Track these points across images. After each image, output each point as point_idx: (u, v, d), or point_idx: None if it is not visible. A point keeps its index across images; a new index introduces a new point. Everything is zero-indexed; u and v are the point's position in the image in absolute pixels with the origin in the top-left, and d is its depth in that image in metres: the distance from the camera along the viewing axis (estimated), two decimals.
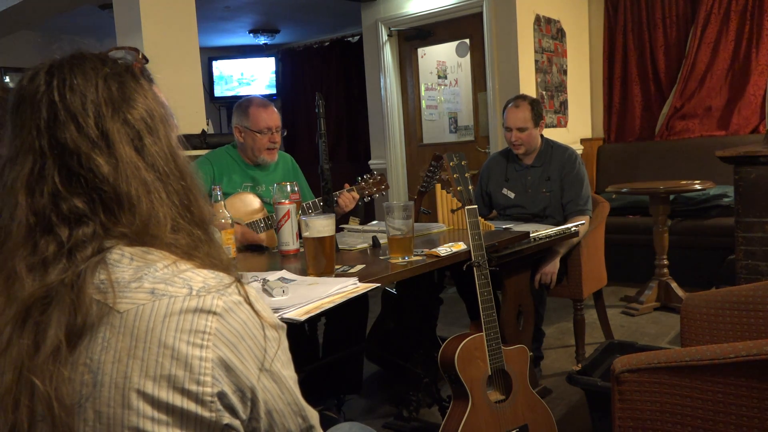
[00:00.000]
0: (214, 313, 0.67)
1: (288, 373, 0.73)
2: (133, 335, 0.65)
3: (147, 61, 0.84)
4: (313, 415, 0.77)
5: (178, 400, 0.65)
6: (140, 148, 0.72)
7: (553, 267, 2.74)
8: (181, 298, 0.67)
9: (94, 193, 0.69)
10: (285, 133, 2.56)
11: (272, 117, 2.48)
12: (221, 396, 0.67)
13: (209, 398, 0.66)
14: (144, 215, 0.70)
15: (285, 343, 0.74)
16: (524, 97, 2.96)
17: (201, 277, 0.70)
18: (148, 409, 0.64)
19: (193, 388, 0.65)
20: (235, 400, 0.68)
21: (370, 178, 2.50)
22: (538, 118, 2.91)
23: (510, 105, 2.94)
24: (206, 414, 0.66)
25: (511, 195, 3.00)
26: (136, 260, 0.69)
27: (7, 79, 5.87)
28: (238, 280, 0.72)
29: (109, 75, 0.73)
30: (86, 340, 0.65)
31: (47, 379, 0.63)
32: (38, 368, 0.64)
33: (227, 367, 0.67)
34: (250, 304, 0.70)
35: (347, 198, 2.40)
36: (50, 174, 0.69)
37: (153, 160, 0.73)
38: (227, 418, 0.67)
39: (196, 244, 0.74)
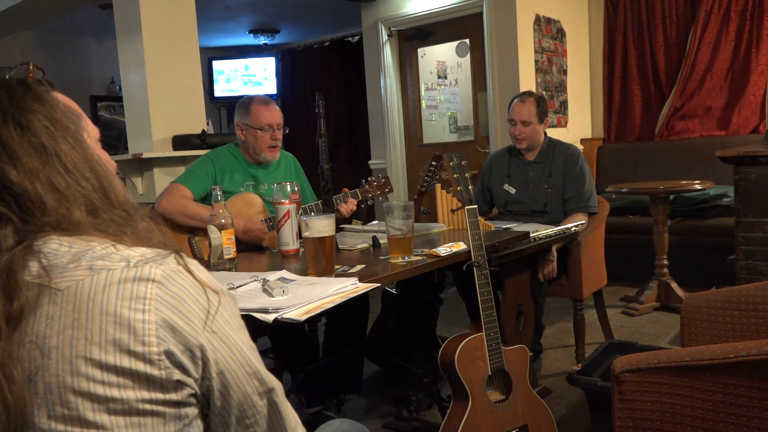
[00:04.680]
0: (153, 280, 0.69)
1: (239, 336, 0.75)
2: (76, 307, 0.67)
3: (43, 73, 0.89)
4: (273, 380, 0.78)
5: (126, 362, 0.67)
6: (39, 147, 0.75)
7: (551, 255, 2.72)
8: (119, 270, 0.69)
9: (6, 195, 0.73)
10: (287, 131, 2.55)
11: (274, 114, 2.47)
12: (169, 354, 0.68)
13: (156, 357, 0.68)
14: (54, 208, 0.73)
15: (232, 309, 0.76)
16: (531, 93, 3.01)
17: (138, 252, 0.73)
18: (98, 373, 0.66)
19: (139, 348, 0.67)
20: (184, 359, 0.69)
21: (374, 181, 2.47)
22: (542, 115, 2.95)
23: (516, 100, 3.00)
24: (155, 372, 0.68)
25: (512, 190, 3.01)
26: (75, 247, 0.72)
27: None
28: (177, 252, 0.75)
29: None
30: (30, 320, 0.68)
31: None
32: None
33: (172, 328, 0.69)
34: (189, 271, 0.73)
35: (345, 209, 2.39)
36: None
37: (56, 159, 0.76)
38: (178, 375, 0.69)
39: (120, 224, 0.77)
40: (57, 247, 0.72)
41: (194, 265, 0.75)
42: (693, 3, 4.71)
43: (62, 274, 0.69)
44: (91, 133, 0.87)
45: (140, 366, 0.67)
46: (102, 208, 0.77)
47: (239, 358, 0.74)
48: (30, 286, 0.68)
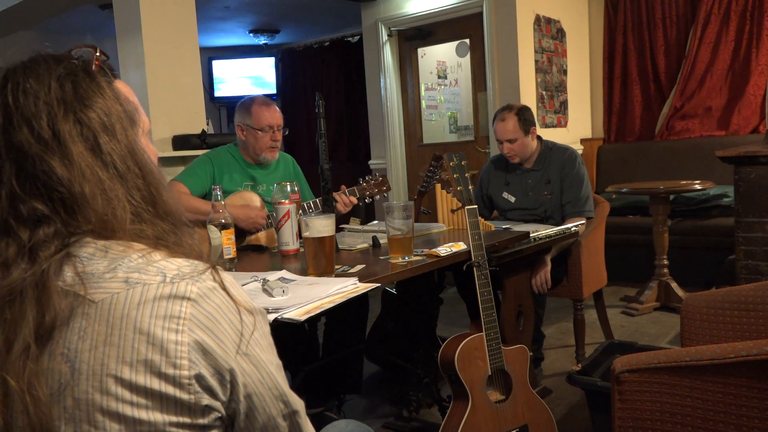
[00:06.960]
0: (189, 298, 0.68)
1: (268, 357, 0.74)
2: (109, 323, 0.66)
3: (107, 57, 0.84)
4: (297, 402, 0.77)
5: (156, 384, 0.65)
6: (95, 147, 0.73)
7: (543, 264, 2.72)
8: (154, 286, 0.67)
9: (53, 194, 0.70)
10: (287, 132, 2.57)
11: (274, 115, 2.49)
12: (199, 378, 0.67)
13: (186, 381, 0.66)
14: (99, 212, 0.71)
15: (264, 329, 0.75)
16: (510, 108, 2.93)
17: (175, 265, 0.70)
18: (127, 394, 0.65)
19: (170, 371, 0.66)
20: (213, 382, 0.68)
21: (371, 180, 2.49)
22: (527, 126, 2.88)
23: (497, 119, 2.93)
24: (185, 396, 0.67)
25: (512, 199, 3.00)
26: (111, 253, 0.70)
27: None
28: (213, 267, 0.72)
29: (63, 75, 0.74)
30: (63, 331, 0.66)
31: (19, 375, 0.64)
32: (11, 366, 0.64)
33: (204, 351, 0.67)
34: (225, 289, 0.71)
35: (342, 204, 2.40)
36: (7, 177, 0.70)
37: (109, 158, 0.73)
38: (207, 400, 0.68)
39: (162, 235, 0.75)
40: (93, 251, 0.70)
41: (230, 282, 0.72)
42: (693, 3, 4.71)
43: (98, 284, 0.67)
44: (144, 126, 0.84)
45: (170, 389, 0.66)
46: (148, 220, 0.75)
47: (267, 381, 0.73)
48: (63, 294, 0.67)
